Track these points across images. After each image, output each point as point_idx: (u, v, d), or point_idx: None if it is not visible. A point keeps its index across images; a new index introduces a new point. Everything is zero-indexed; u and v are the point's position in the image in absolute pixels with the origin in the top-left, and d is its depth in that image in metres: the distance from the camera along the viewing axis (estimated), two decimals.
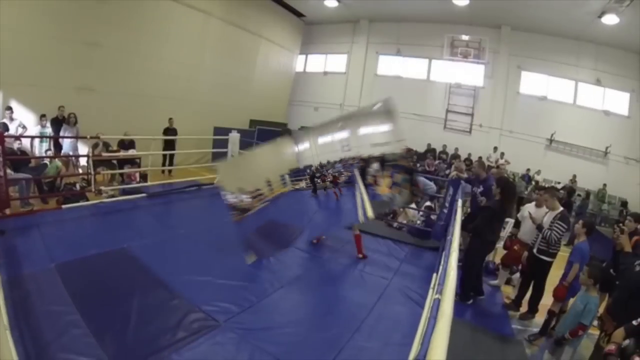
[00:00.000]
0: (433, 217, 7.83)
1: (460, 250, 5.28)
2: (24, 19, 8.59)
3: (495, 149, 14.79)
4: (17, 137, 7.79)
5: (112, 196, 7.78)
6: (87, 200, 7.37)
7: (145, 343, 3.30)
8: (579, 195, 13.16)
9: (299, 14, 18.34)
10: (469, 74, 16.11)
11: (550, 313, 4.63)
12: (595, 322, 4.84)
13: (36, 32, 8.82)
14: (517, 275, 6.10)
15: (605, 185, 13.70)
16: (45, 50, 9.08)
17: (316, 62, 20.03)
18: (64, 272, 4.32)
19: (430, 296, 4.63)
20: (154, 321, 3.62)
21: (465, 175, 7.14)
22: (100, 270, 4.57)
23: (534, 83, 15.23)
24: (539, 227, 5.05)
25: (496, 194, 5.06)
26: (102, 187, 7.79)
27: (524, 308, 5.33)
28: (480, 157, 13.49)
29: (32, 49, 8.83)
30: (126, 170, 9.09)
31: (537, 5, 12.40)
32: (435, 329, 1.87)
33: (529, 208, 5.79)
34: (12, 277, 3.99)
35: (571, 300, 4.49)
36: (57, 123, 9.09)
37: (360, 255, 6.23)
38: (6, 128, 7.79)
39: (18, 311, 3.41)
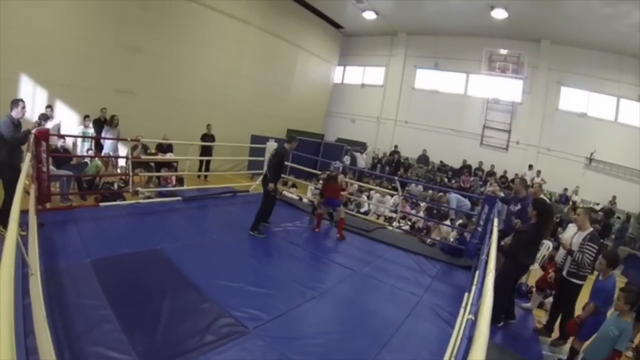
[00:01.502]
0: (467, 234, 7.68)
1: None
2: (70, 22, 9.01)
3: (531, 167, 14.38)
4: (61, 136, 8.09)
5: (149, 197, 7.98)
6: (124, 200, 7.57)
7: (173, 343, 3.32)
8: (618, 217, 12.61)
9: (337, 26, 18.53)
10: (507, 89, 15.82)
11: (573, 351, 4.38)
12: (630, 353, 4.60)
13: (81, 36, 9.21)
14: (551, 299, 5.87)
15: None
16: (89, 53, 9.44)
17: (354, 74, 20.13)
18: (98, 267, 4.42)
19: (462, 316, 4.52)
20: (183, 323, 3.65)
21: (501, 194, 6.96)
22: (134, 268, 4.66)
23: (573, 99, 14.75)
24: (570, 252, 4.85)
25: (532, 216, 4.85)
26: (139, 188, 8.02)
27: (556, 334, 5.10)
28: (517, 174, 13.17)
29: (77, 52, 9.21)
30: (163, 173, 9.29)
31: (577, 18, 12.08)
32: (472, 350, 1.82)
33: (571, 230, 5.57)
34: (49, 268, 4.11)
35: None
36: (99, 124, 9.38)
37: (338, 235, 7.42)
38: (45, 117, 7.87)
39: (52, 302, 3.49)
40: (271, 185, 6.80)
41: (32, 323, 2.95)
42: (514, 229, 5.56)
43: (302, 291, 4.88)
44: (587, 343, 4.18)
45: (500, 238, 5.43)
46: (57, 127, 8.44)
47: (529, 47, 15.00)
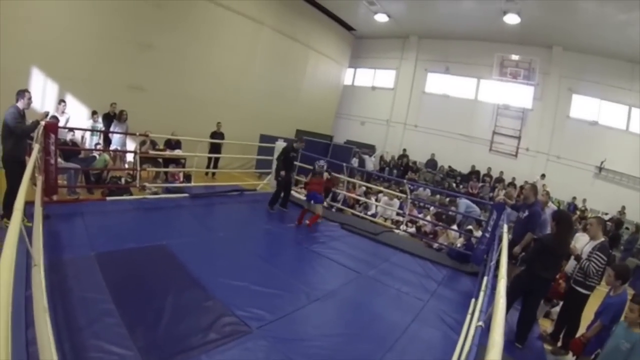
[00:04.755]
0: (474, 240, 7.60)
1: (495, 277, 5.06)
2: (83, 18, 9.09)
3: (543, 176, 14.15)
4: (70, 129, 8.11)
5: (155, 193, 7.99)
6: (131, 194, 7.57)
7: (175, 340, 3.29)
8: (627, 228, 12.41)
9: (349, 27, 18.52)
10: (518, 95, 15.68)
11: None
12: None
13: (93, 31, 9.28)
14: (557, 309, 5.78)
15: None
16: (101, 49, 9.50)
17: (365, 76, 20.08)
18: (103, 261, 4.40)
19: (468, 322, 4.46)
20: (186, 320, 3.61)
21: (511, 201, 6.88)
22: (139, 264, 4.65)
23: (584, 107, 14.59)
24: (577, 258, 4.77)
25: (552, 227, 4.76)
26: (147, 184, 8.01)
27: (560, 343, 5.02)
28: (526, 182, 13.04)
29: (89, 47, 9.27)
30: (171, 169, 9.28)
31: (590, 25, 11.96)
32: (487, 359, 1.76)
33: (582, 240, 5.50)
34: (53, 260, 4.10)
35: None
36: (108, 119, 9.42)
37: (307, 222, 7.73)
38: (55, 119, 7.94)
39: (55, 294, 3.48)
40: (282, 172, 8.19)
41: (32, 315, 2.92)
42: (521, 235, 5.51)
43: (307, 292, 4.82)
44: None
45: (510, 247, 5.36)
46: (66, 121, 8.46)
47: (541, 53, 14.88)
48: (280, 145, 9.68)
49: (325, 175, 8.30)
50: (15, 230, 2.16)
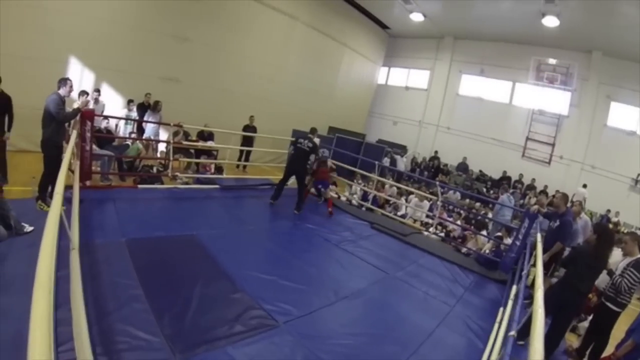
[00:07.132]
0: (502, 247, 7.43)
1: (527, 287, 4.89)
2: (120, 10, 9.31)
3: (585, 186, 13.46)
4: (106, 117, 8.29)
5: (186, 183, 8.09)
6: (162, 183, 7.70)
7: (202, 330, 3.31)
8: None
9: (383, 26, 18.43)
10: (554, 100, 15.20)
11: None
12: None
13: (131, 24, 9.53)
14: (585, 324, 5.57)
15: None
16: (137, 41, 9.73)
17: (398, 76, 19.94)
18: (133, 247, 4.49)
19: (496, 331, 4.35)
20: (213, 311, 3.63)
21: (544, 210, 6.71)
22: (168, 252, 4.71)
23: (623, 116, 14.00)
24: (610, 273, 4.59)
25: (592, 240, 4.61)
26: (178, 173, 8.08)
27: None
28: (558, 191, 12.64)
29: (125, 38, 9.51)
30: (203, 160, 9.38)
31: (632, 31, 11.37)
32: None
33: (613, 254, 5.31)
34: (85, 244, 4.17)
35: None
36: (143, 108, 9.56)
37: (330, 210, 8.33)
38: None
39: (86, 277, 3.53)
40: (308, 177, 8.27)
41: (63, 295, 3.00)
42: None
43: (335, 289, 4.80)
44: None
45: None
46: (101, 109, 8.64)
47: (580, 58, 14.40)
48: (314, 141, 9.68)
49: (329, 163, 8.88)
50: (56, 215, 2.20)
